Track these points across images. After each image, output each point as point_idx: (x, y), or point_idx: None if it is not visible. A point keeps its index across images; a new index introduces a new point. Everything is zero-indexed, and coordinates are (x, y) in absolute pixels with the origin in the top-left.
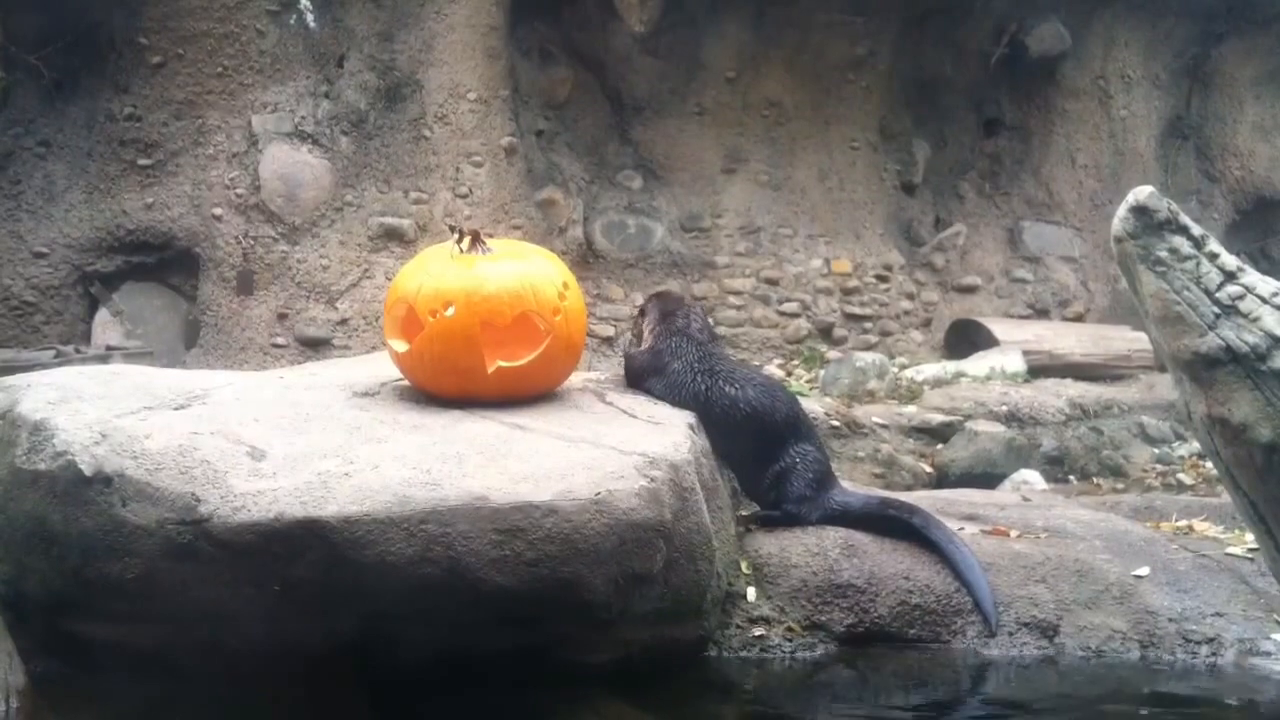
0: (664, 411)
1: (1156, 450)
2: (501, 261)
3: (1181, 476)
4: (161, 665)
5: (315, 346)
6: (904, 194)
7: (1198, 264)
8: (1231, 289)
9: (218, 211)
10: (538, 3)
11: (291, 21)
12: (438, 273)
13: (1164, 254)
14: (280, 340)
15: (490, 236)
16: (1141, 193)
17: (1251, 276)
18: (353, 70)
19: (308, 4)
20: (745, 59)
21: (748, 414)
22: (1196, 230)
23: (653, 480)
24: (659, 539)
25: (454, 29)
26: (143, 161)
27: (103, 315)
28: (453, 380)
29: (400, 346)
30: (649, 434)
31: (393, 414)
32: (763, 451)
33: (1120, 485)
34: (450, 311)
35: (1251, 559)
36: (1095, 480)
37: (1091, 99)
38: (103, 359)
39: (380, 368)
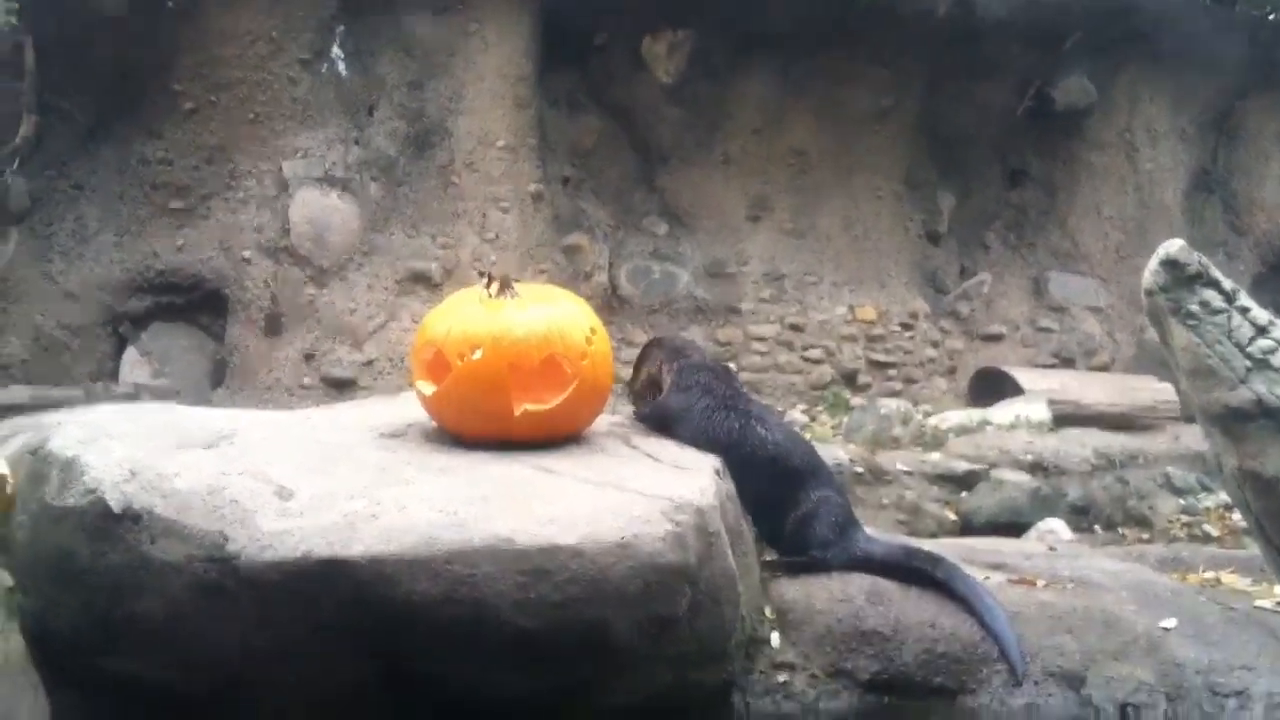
0: (689, 456)
1: (1182, 501)
2: (529, 306)
3: (1208, 528)
4: (185, 702)
5: (341, 388)
6: (929, 243)
7: (1229, 318)
8: (1263, 343)
9: (247, 254)
10: (566, 53)
11: (323, 70)
12: (466, 316)
13: (1195, 307)
14: (307, 381)
15: (518, 281)
16: (1172, 246)
17: None
18: (383, 118)
19: (339, 53)
20: (771, 109)
21: (774, 456)
22: (1228, 284)
23: (678, 525)
24: (684, 583)
25: (483, 78)
26: (174, 204)
27: (131, 354)
28: (480, 422)
29: (428, 389)
30: (675, 478)
31: (420, 455)
32: (786, 495)
33: (1145, 535)
34: (478, 354)
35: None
36: (1120, 530)
37: (1117, 152)
38: (131, 397)
39: (406, 409)
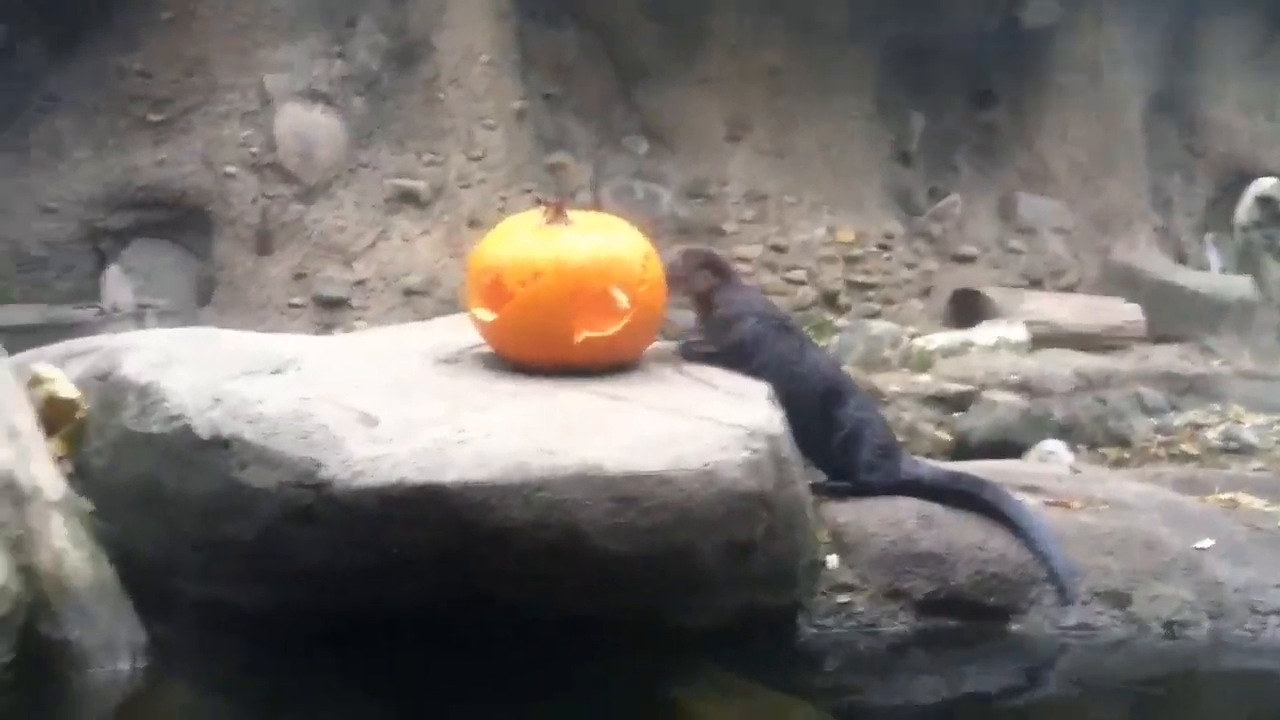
0: (742, 383)
1: (1155, 420)
2: (589, 233)
3: (1185, 447)
4: (272, 627)
5: (332, 307)
6: (900, 164)
7: None
8: None
9: (231, 170)
10: None
11: None
12: (526, 243)
13: None
14: (297, 300)
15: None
16: (1265, 184)
17: None
18: (365, 31)
19: None
20: (748, 26)
21: (824, 377)
22: None
23: (755, 451)
24: (762, 508)
25: None
26: (153, 118)
27: (113, 272)
28: (540, 349)
29: (486, 315)
30: (738, 406)
31: (485, 382)
32: (832, 418)
33: (1126, 455)
34: (540, 281)
35: None
36: (1102, 450)
37: (1082, 73)
38: (138, 317)
39: (451, 334)
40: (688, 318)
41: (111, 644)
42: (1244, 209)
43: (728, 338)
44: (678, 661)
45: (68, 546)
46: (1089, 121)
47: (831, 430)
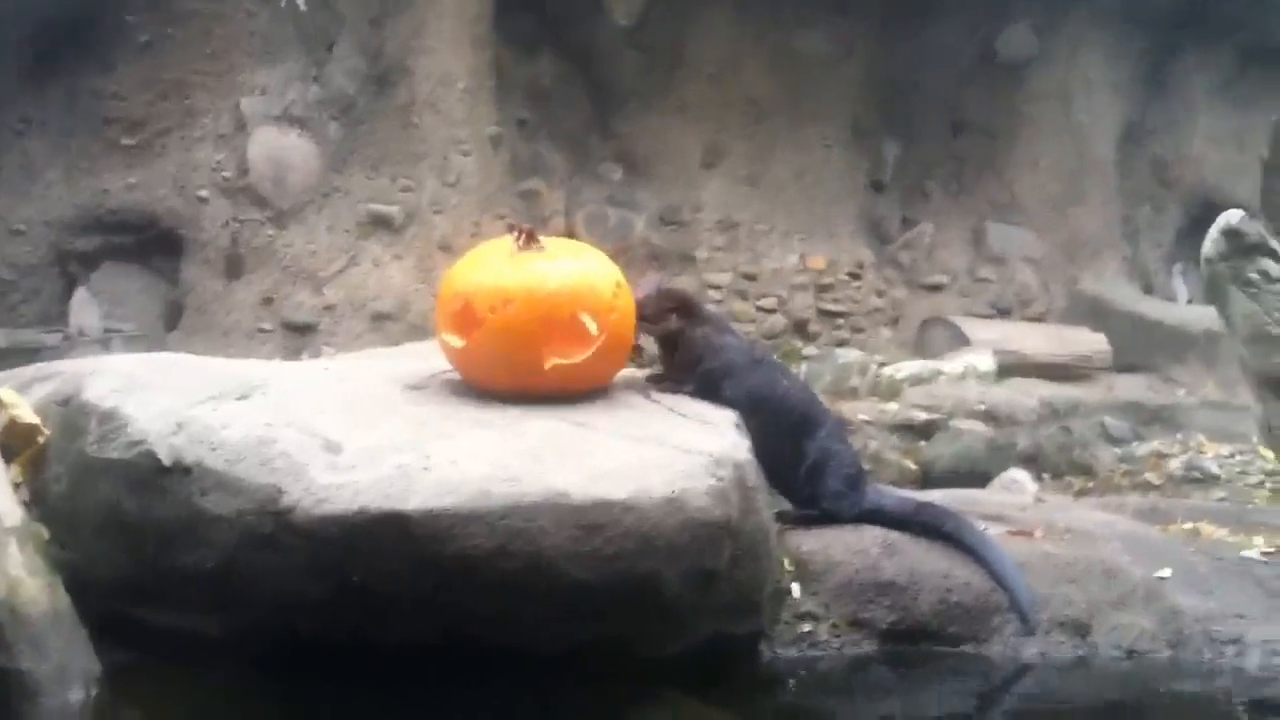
0: (709, 410)
1: (1119, 450)
2: (560, 259)
3: (1149, 476)
4: (232, 655)
5: (301, 332)
6: (874, 192)
7: None
8: None
9: (203, 193)
10: None
11: (282, 4)
12: (497, 269)
13: (1254, 276)
14: (265, 325)
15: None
16: (1233, 216)
17: None
18: (342, 55)
19: None
20: (726, 54)
21: (793, 407)
22: None
23: (720, 479)
24: (727, 536)
25: (443, 16)
26: (126, 141)
27: (81, 295)
28: (509, 376)
29: (456, 341)
30: (705, 433)
31: (452, 408)
32: (798, 447)
33: (1090, 484)
34: (510, 308)
35: (1266, 562)
36: (1067, 479)
37: (1055, 103)
38: (104, 342)
39: (421, 360)
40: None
41: (65, 673)
42: (1210, 241)
43: (698, 370)
44: (641, 690)
45: (23, 575)
46: (1060, 151)
47: (799, 460)
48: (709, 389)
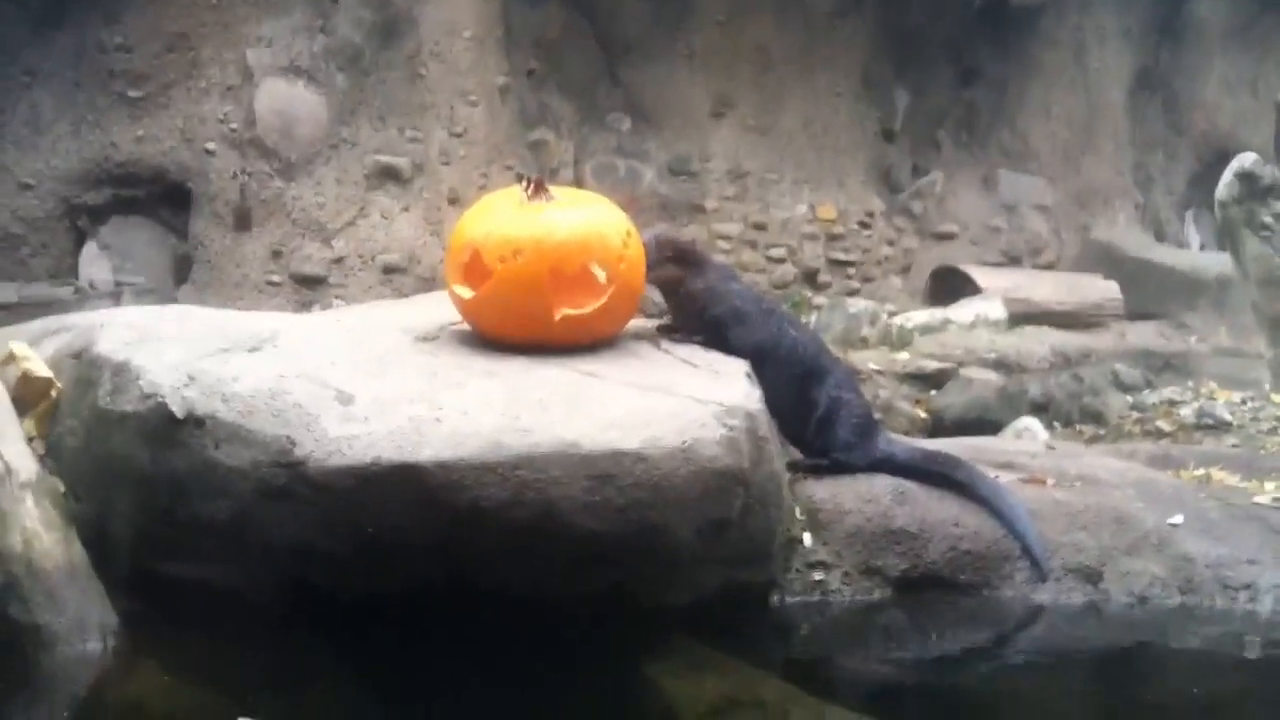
0: (720, 360)
1: (1130, 398)
2: (569, 209)
3: (1160, 424)
4: (246, 605)
5: (311, 285)
6: (884, 141)
7: None
8: None
9: (211, 146)
10: None
11: None
12: (506, 219)
13: (1269, 219)
14: (275, 278)
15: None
16: (1246, 159)
17: None
18: (348, 5)
19: None
20: (734, 3)
21: (803, 357)
22: None
23: (732, 429)
24: (738, 486)
25: None
26: (133, 93)
27: (90, 249)
28: (519, 327)
29: (465, 292)
30: (716, 383)
31: (463, 359)
32: (809, 397)
33: (1101, 431)
34: (520, 258)
35: (1278, 507)
36: (1078, 427)
37: (1067, 51)
38: (115, 295)
39: (430, 311)
40: None
41: (82, 625)
42: (1224, 184)
43: (704, 318)
44: (654, 638)
45: (39, 528)
46: (1072, 99)
47: (810, 410)
48: (716, 336)
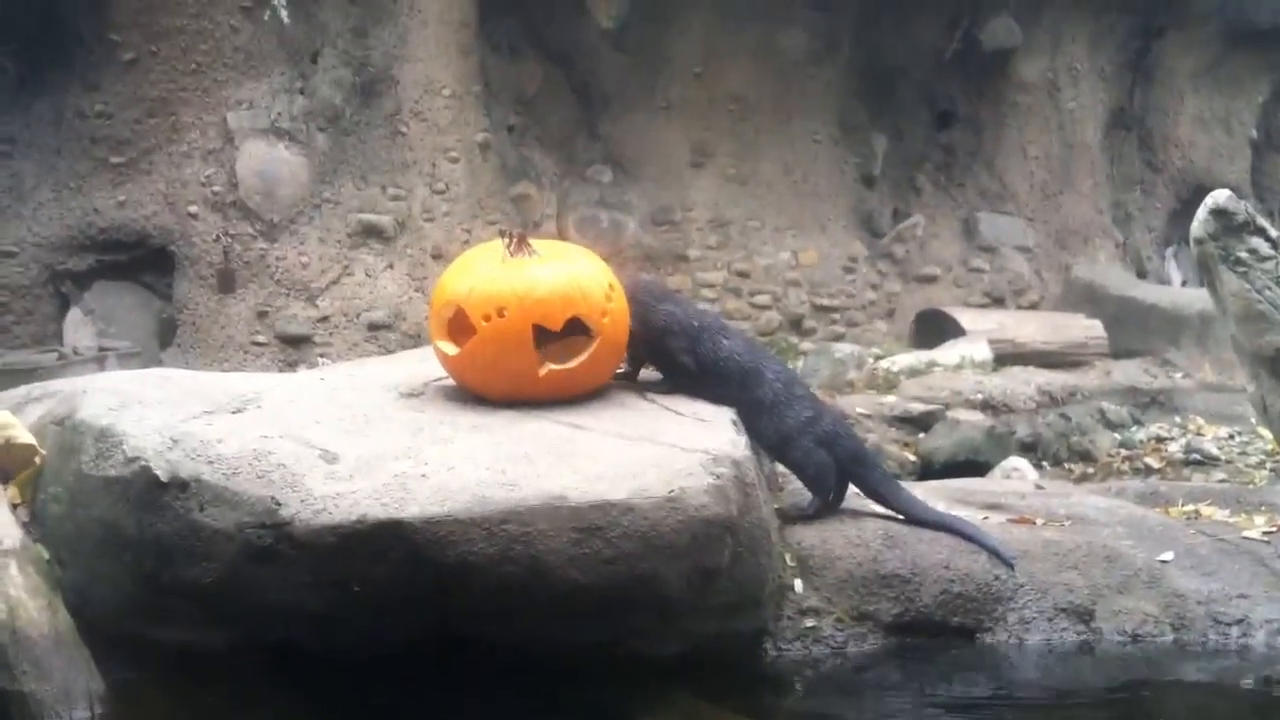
0: (707, 409)
1: (1118, 435)
2: (551, 263)
3: (1148, 461)
4: (234, 668)
5: (296, 344)
6: (864, 186)
7: (1277, 264)
8: None
9: (194, 209)
10: None
11: (265, 17)
12: (489, 275)
13: (1244, 254)
14: (260, 338)
15: (531, 237)
16: (1220, 195)
17: None
18: (327, 66)
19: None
20: (710, 53)
21: (741, 363)
22: (1274, 232)
23: (719, 477)
24: (727, 534)
25: (427, 24)
26: (114, 159)
27: (74, 315)
28: (504, 382)
29: (450, 349)
30: (702, 431)
31: (448, 415)
32: (755, 397)
33: (1090, 470)
34: (504, 316)
35: (1268, 542)
36: (1067, 466)
37: (1041, 92)
38: (99, 360)
39: (415, 367)
40: None
41: (69, 693)
42: (1199, 221)
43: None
44: (645, 690)
45: (24, 596)
46: (1048, 139)
47: (760, 410)
48: (668, 364)
